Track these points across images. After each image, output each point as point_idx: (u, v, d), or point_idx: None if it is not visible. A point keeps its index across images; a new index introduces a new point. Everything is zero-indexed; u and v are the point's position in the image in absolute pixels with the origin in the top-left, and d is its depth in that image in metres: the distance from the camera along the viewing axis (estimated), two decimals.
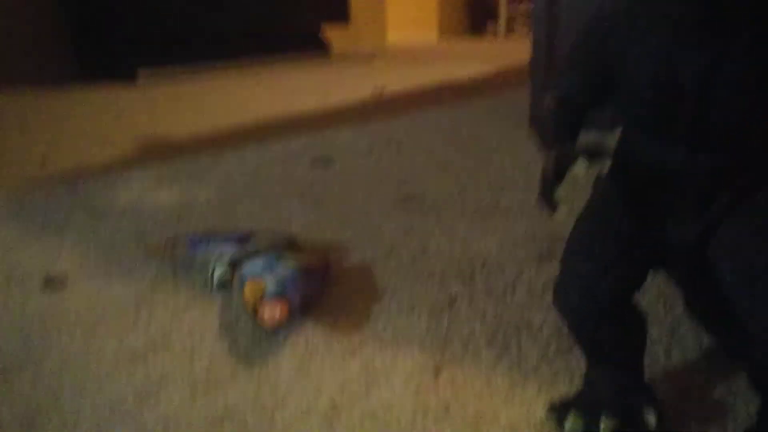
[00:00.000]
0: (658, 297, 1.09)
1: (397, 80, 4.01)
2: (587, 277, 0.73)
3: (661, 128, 0.68)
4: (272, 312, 0.99)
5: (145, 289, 1.20)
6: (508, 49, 6.25)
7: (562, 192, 0.69)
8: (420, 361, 0.96)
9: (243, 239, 1.31)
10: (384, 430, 0.81)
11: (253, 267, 1.16)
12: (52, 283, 1.22)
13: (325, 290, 1.18)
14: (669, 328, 1.02)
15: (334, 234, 1.47)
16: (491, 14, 8.53)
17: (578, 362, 0.94)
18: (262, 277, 1.10)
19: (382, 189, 1.80)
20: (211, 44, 4.31)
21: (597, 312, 0.73)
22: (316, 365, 0.95)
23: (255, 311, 1.01)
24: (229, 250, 1.23)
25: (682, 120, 0.66)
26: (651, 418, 0.74)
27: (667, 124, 0.67)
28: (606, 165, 0.67)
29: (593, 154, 0.72)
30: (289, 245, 1.29)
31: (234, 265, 1.19)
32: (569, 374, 0.91)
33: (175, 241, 1.34)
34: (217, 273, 1.17)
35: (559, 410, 0.78)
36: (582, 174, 0.70)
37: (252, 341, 1.01)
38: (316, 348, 1.00)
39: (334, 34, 5.40)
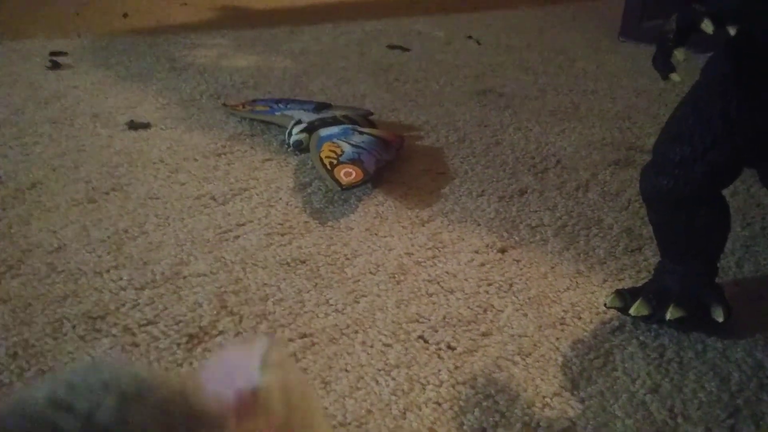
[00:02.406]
0: (736, 212, 1.06)
1: None
2: (682, 160, 0.71)
3: None
4: (347, 175, 1.01)
5: (224, 141, 1.23)
6: None
7: (681, 55, 0.65)
8: (486, 240, 0.98)
9: (320, 107, 1.32)
10: (448, 295, 0.84)
11: (329, 131, 1.17)
12: (136, 126, 1.27)
13: (397, 164, 1.19)
14: (744, 242, 1.00)
15: (408, 116, 1.46)
16: None
17: (647, 262, 0.93)
18: (338, 143, 1.12)
19: (458, 80, 1.76)
20: None
21: (686, 198, 0.72)
22: (385, 230, 0.98)
23: (329, 171, 1.03)
24: (307, 115, 1.25)
25: None
26: (719, 314, 0.75)
27: None
28: (734, 30, 0.63)
29: (721, 19, 0.65)
30: (365, 119, 1.29)
31: (311, 130, 1.20)
32: (636, 271, 0.92)
33: (254, 103, 1.36)
34: (295, 134, 1.19)
35: (625, 296, 0.79)
36: (708, 34, 0.64)
37: (325, 201, 1.04)
38: (385, 215, 1.02)
39: None
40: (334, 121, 1.22)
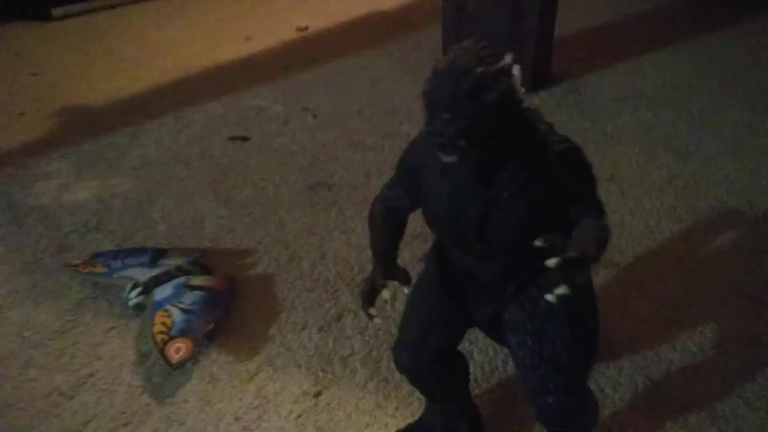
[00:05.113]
0: None
1: (321, 15, 3.97)
2: (414, 341, 0.94)
3: (452, 241, 0.87)
4: (177, 352, 1.17)
5: (69, 314, 1.35)
6: None
7: (373, 310, 0.91)
8: (305, 385, 1.17)
9: (156, 256, 1.45)
10: None
11: (163, 293, 1.32)
12: None
13: (230, 309, 1.36)
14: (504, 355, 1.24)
15: (243, 237, 1.62)
16: None
17: None
18: (171, 308, 1.27)
19: (293, 174, 1.93)
20: None
21: (424, 367, 0.95)
22: (217, 395, 1.15)
23: (161, 350, 1.19)
24: (142, 274, 1.38)
25: (469, 241, 0.84)
26: None
27: (458, 243, 0.86)
28: (388, 294, 0.90)
29: (402, 277, 0.93)
30: (197, 266, 1.44)
31: (147, 289, 1.35)
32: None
33: (94, 260, 1.47)
34: (132, 299, 1.33)
35: None
36: (390, 295, 0.91)
37: (164, 373, 1.20)
38: (218, 376, 1.19)
39: None
40: (168, 277, 1.37)
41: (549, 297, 0.72)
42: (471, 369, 1.15)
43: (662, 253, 1.51)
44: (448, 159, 0.76)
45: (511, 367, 1.18)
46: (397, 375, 1.18)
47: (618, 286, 1.40)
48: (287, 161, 2.02)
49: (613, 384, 1.15)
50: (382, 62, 2.98)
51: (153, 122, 2.35)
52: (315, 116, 2.40)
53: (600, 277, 1.42)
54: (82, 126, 2.34)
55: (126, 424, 1.09)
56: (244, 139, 2.21)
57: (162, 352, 1.18)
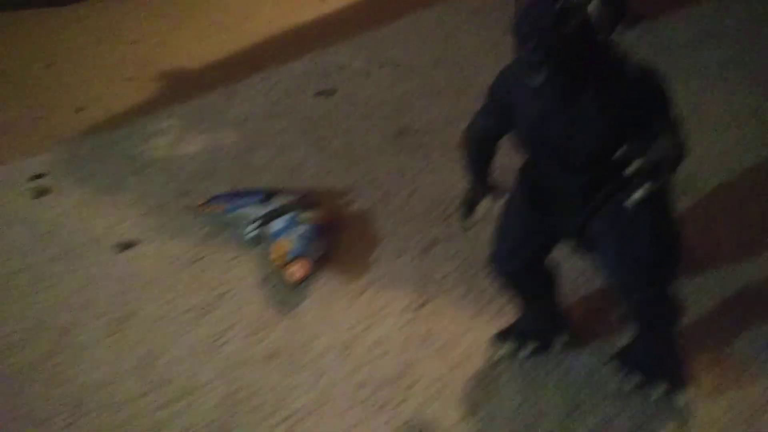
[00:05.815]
0: None
1: None
2: (507, 251, 1.07)
3: (541, 159, 0.98)
4: (296, 272, 1.34)
5: (197, 247, 1.55)
6: None
7: (470, 221, 1.03)
8: (408, 299, 1.33)
9: (268, 197, 1.63)
10: (382, 357, 1.20)
11: (277, 226, 1.50)
12: (125, 246, 1.58)
13: (335, 239, 1.52)
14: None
15: (340, 178, 1.78)
16: None
17: None
18: (286, 237, 1.44)
19: (379, 122, 2.06)
20: None
21: (516, 274, 1.08)
22: (333, 308, 1.32)
23: (282, 272, 1.36)
24: (257, 211, 1.56)
25: (554, 156, 0.95)
26: (559, 342, 1.12)
27: (544, 158, 0.97)
28: (503, 198, 1.01)
29: (496, 192, 1.05)
30: (303, 203, 1.61)
31: (263, 223, 1.52)
32: (513, 304, 1.27)
33: (212, 202, 1.66)
34: (250, 232, 1.52)
35: (500, 337, 1.15)
36: (486, 208, 1.03)
37: (284, 293, 1.38)
38: (331, 294, 1.36)
39: None
40: (279, 213, 1.54)
41: (629, 202, 0.83)
42: (561, 283, 1.28)
43: (743, 181, 1.56)
44: (534, 82, 0.87)
45: (596, 284, 1.29)
46: (490, 291, 1.31)
47: (700, 210, 1.47)
48: (373, 111, 2.15)
49: (697, 293, 1.24)
50: (456, 14, 3.04)
51: (244, 82, 2.53)
52: (393, 67, 2.50)
53: (682, 201, 1.48)
54: (182, 87, 2.54)
55: (258, 332, 1.28)
56: (330, 93, 2.35)
57: (283, 273, 1.35)
